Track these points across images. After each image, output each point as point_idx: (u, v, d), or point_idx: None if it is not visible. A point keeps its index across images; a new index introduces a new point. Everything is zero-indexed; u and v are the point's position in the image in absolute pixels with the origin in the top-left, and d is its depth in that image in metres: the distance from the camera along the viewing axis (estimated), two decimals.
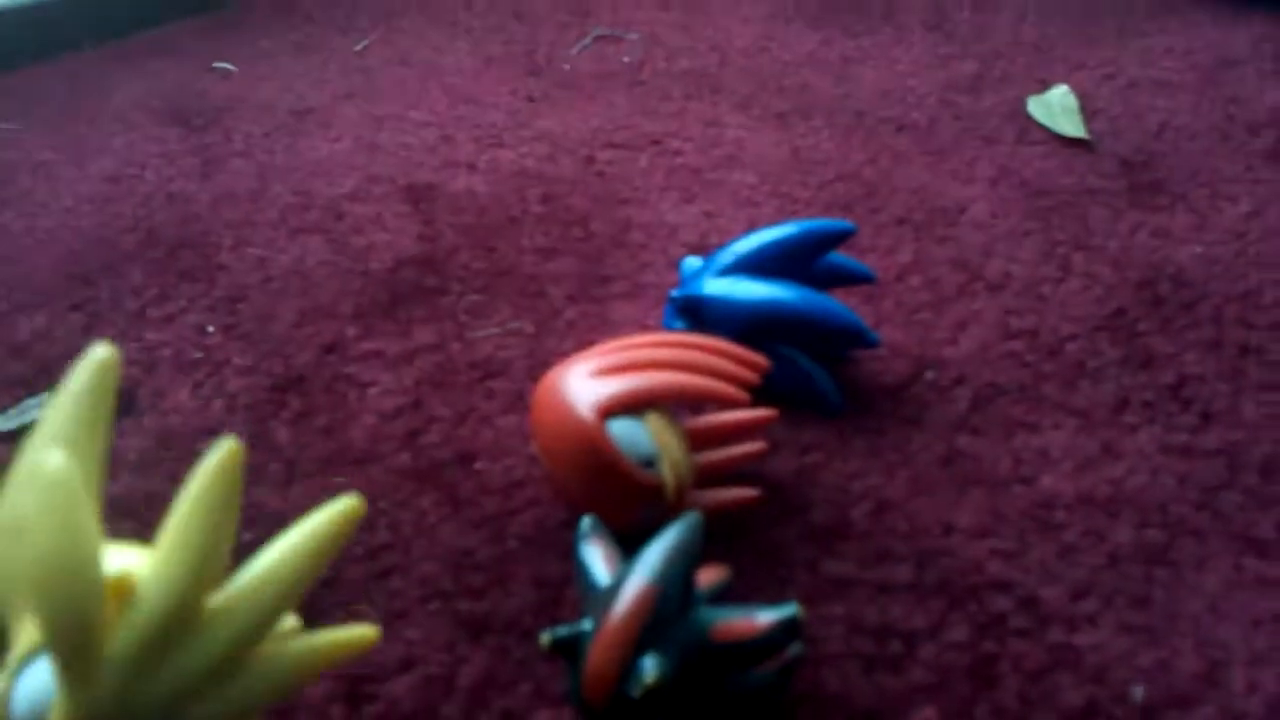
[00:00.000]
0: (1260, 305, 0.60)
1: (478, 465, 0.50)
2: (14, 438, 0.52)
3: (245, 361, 0.57)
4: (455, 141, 0.82)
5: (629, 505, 0.43)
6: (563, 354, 0.56)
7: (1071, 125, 0.80)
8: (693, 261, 0.56)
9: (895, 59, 0.95)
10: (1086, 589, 0.43)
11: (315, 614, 0.42)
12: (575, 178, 0.76)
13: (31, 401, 0.54)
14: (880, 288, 0.62)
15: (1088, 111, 0.83)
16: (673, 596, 0.35)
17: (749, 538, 0.46)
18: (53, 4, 1.02)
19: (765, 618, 0.35)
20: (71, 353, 0.58)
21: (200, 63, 0.98)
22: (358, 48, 1.01)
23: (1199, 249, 0.66)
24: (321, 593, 0.43)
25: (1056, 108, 0.83)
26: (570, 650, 0.36)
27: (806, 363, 0.52)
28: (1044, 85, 0.88)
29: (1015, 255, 0.66)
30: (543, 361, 0.57)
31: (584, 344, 0.55)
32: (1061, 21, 1.02)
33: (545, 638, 0.36)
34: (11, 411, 0.54)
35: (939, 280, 0.63)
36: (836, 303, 0.52)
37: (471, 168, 0.78)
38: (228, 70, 0.96)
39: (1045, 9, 1.06)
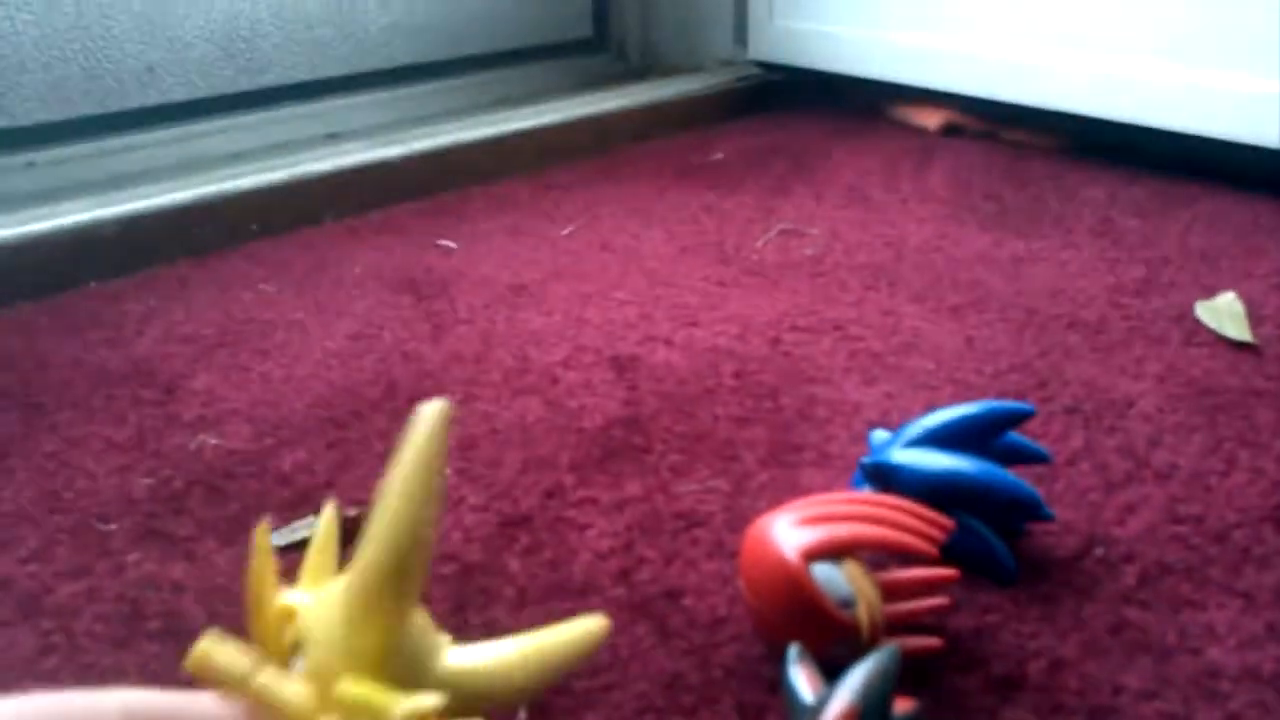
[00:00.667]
0: None
1: (685, 602, 0.56)
2: (285, 553, 0.60)
3: (478, 500, 0.65)
4: (654, 319, 0.91)
5: (825, 641, 0.48)
6: (757, 511, 0.62)
7: (1238, 330, 0.85)
8: (881, 433, 0.63)
9: (1065, 261, 1.01)
10: None
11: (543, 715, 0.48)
12: (764, 356, 0.83)
13: (300, 523, 0.63)
14: (1052, 470, 0.67)
15: (1254, 318, 0.87)
16: (872, 716, 0.40)
17: (930, 684, 0.50)
18: (302, 184, 1.17)
19: None
20: (329, 484, 0.67)
21: (425, 240, 1.11)
22: (564, 233, 1.12)
23: None
24: (552, 698, 0.49)
25: (1224, 313, 0.88)
26: None
27: (985, 531, 0.57)
28: (1210, 292, 0.93)
29: (1182, 448, 0.70)
30: (740, 516, 0.63)
31: (776, 504, 0.61)
32: (1227, 233, 1.07)
33: None
34: (283, 530, 0.62)
35: (1108, 466, 0.68)
36: (1016, 478, 0.57)
37: (669, 343, 0.86)
38: (450, 248, 1.08)
39: (1211, 221, 1.11)
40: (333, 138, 1.33)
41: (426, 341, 0.87)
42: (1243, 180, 1.20)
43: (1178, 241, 1.06)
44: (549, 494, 0.66)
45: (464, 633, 0.53)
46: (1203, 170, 1.24)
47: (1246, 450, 0.69)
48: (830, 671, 0.44)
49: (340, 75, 1.40)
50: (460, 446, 0.71)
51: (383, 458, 0.68)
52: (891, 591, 0.52)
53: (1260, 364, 0.81)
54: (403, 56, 1.47)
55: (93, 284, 1.01)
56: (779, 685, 0.47)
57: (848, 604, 0.48)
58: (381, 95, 1.44)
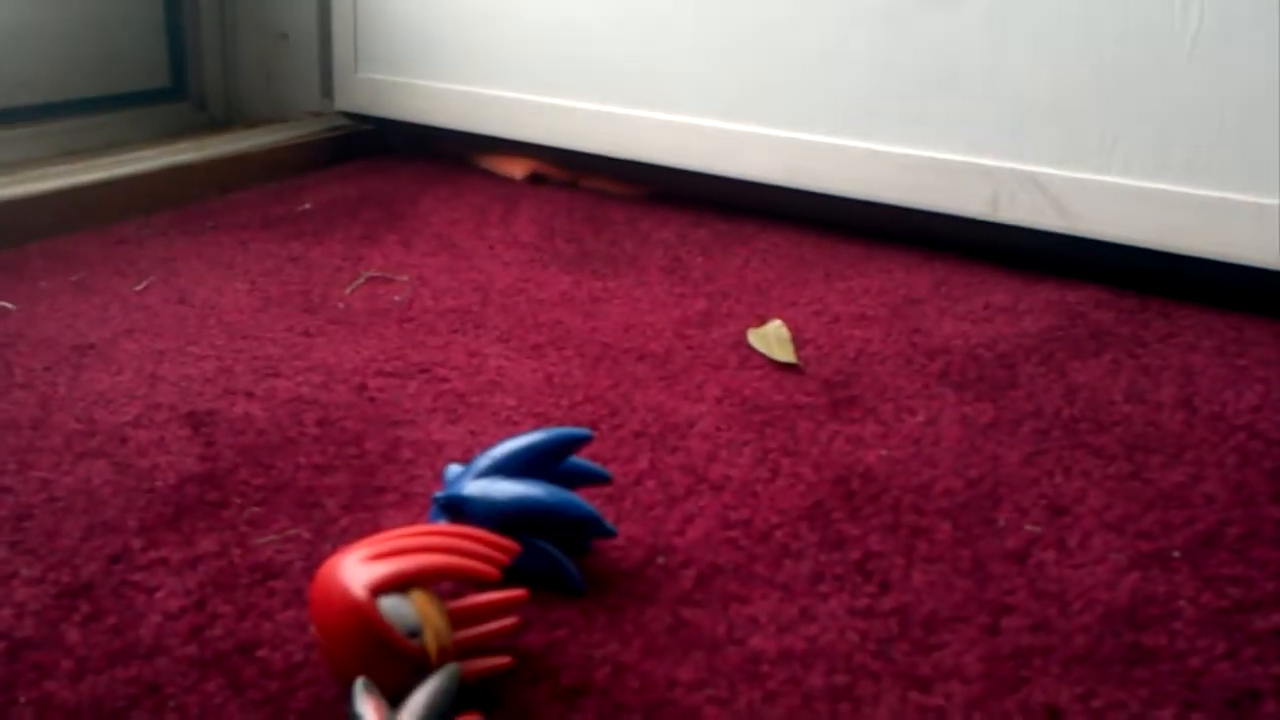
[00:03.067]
0: (930, 495, 0.73)
1: (259, 653, 0.55)
2: None
3: (33, 573, 0.61)
4: (234, 372, 0.88)
5: (397, 671, 0.49)
6: None
7: (784, 353, 0.94)
8: (454, 468, 0.65)
9: (637, 298, 1.08)
10: None
11: None
12: (349, 403, 0.84)
13: None
14: (621, 490, 0.72)
15: (798, 341, 0.98)
16: None
17: (503, 699, 0.53)
18: None
19: None
20: None
21: None
22: (138, 288, 1.07)
23: (884, 452, 0.79)
24: None
25: (772, 338, 0.97)
26: None
27: (554, 551, 0.61)
28: (762, 320, 1.02)
29: (735, 461, 0.77)
30: (319, 563, 0.63)
31: None
32: (778, 267, 1.19)
33: None
34: None
35: (670, 483, 0.73)
36: (578, 499, 0.61)
37: (250, 395, 0.84)
38: (6, 308, 1.01)
39: (765, 258, 1.23)
40: None
41: None
42: (794, 219, 1.34)
43: (736, 276, 1.16)
44: (114, 559, 0.63)
45: (13, 715, 0.50)
46: (760, 211, 1.36)
47: (788, 458, 0.77)
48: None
49: None
50: (13, 518, 0.67)
51: None
52: (463, 617, 0.54)
53: (802, 381, 0.90)
54: None
55: None
56: None
57: (416, 633, 0.50)
58: None
